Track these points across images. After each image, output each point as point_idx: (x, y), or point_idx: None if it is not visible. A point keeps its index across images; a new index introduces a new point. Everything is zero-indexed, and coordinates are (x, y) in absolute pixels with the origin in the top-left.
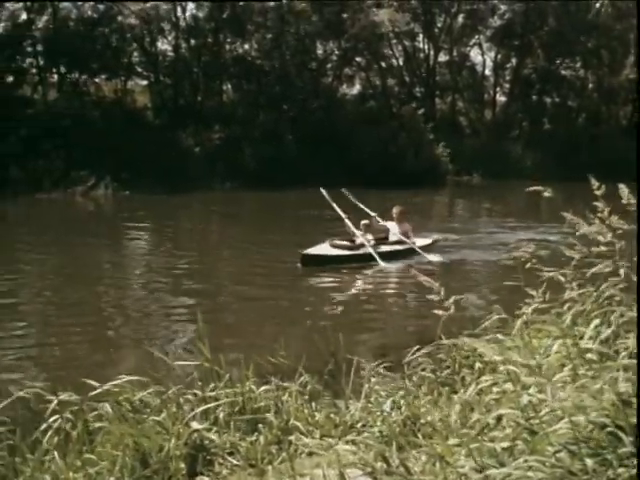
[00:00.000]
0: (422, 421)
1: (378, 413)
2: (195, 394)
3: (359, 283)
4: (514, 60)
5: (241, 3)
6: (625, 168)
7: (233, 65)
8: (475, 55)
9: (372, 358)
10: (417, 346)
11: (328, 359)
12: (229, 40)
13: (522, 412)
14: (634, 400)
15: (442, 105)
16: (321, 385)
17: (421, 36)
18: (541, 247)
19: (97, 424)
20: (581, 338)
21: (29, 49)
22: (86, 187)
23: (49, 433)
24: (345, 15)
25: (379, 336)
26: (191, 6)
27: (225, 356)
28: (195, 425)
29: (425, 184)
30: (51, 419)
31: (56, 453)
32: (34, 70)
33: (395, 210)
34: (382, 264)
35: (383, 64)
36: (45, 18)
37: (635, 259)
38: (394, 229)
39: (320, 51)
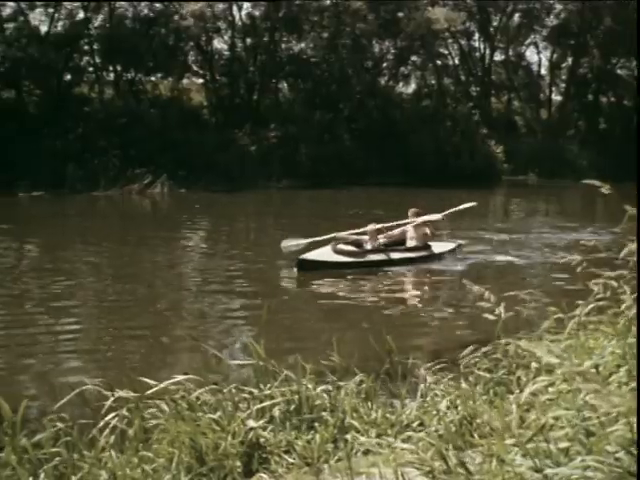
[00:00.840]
0: (478, 421)
1: (434, 412)
2: (251, 392)
3: (403, 286)
4: (570, 59)
5: (297, 2)
6: None
7: (289, 64)
8: (531, 54)
9: (426, 358)
10: (472, 346)
11: (383, 359)
12: (285, 39)
13: (578, 413)
14: None
15: (498, 104)
16: (377, 384)
17: (477, 35)
18: (596, 248)
19: (153, 422)
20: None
21: (86, 48)
22: (142, 185)
23: (106, 430)
24: (401, 14)
25: (432, 337)
26: (247, 5)
27: (281, 355)
28: (251, 423)
29: (480, 183)
30: (108, 416)
31: (113, 450)
32: (91, 68)
33: (411, 212)
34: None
35: (439, 63)
36: (102, 17)
37: None
38: (411, 233)
39: (376, 50)
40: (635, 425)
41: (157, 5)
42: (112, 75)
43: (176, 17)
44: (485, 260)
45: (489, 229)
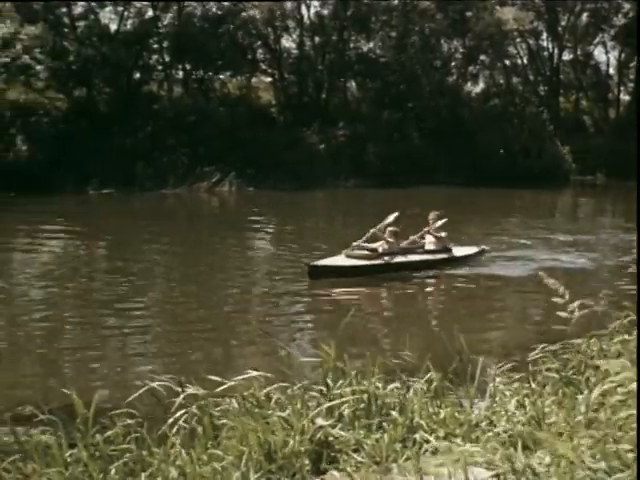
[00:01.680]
0: (547, 421)
1: (502, 412)
2: (320, 391)
3: (467, 285)
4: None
5: (365, 1)
6: None
7: (357, 63)
8: (599, 54)
9: (494, 357)
10: (541, 345)
11: (452, 358)
12: (353, 38)
13: None
14: None
15: (566, 104)
16: (446, 383)
17: (545, 34)
18: None
19: (223, 419)
20: None
21: (155, 46)
22: (211, 183)
23: (176, 427)
24: (469, 13)
25: (499, 336)
26: (315, 4)
27: (349, 354)
28: (320, 422)
29: (548, 183)
30: (178, 413)
31: (182, 447)
32: (160, 67)
33: (432, 216)
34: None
35: (507, 62)
36: (170, 15)
37: None
38: (430, 236)
39: (444, 49)
40: None
41: (225, 3)
42: (181, 73)
43: (244, 15)
44: (548, 262)
45: (556, 229)
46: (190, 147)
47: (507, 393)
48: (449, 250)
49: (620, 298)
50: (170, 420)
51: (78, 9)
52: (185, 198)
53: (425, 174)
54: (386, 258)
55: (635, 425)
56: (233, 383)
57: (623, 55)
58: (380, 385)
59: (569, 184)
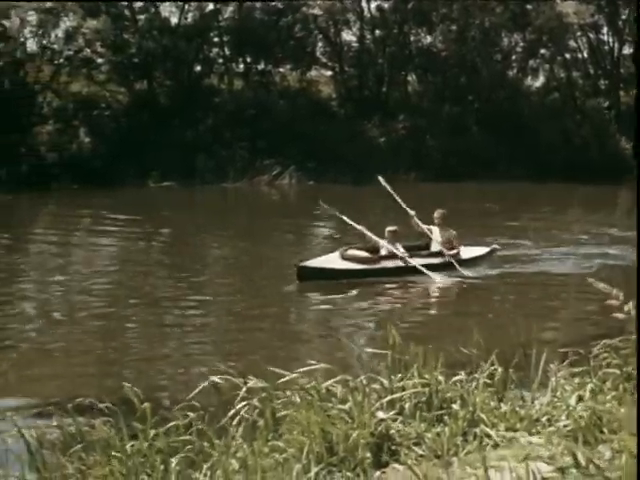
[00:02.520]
0: (607, 416)
1: (564, 407)
2: (382, 383)
3: (517, 282)
4: None
5: None
6: None
7: (418, 56)
8: None
9: (554, 353)
10: (603, 341)
11: (514, 352)
12: (414, 31)
13: None
14: None
15: (626, 98)
16: (507, 377)
17: (605, 28)
18: None
19: (284, 411)
20: None
21: (216, 39)
22: (271, 176)
23: (237, 419)
24: (529, 7)
25: (555, 333)
26: None
27: (412, 346)
28: (381, 415)
29: (609, 177)
30: (239, 405)
31: (243, 439)
32: (220, 60)
33: (437, 214)
34: (436, 278)
35: (567, 56)
36: (231, 9)
37: None
38: (436, 235)
39: (505, 43)
40: None
41: None
42: (241, 66)
43: (304, 8)
44: (604, 258)
45: (619, 225)
46: (250, 140)
47: (568, 388)
48: (456, 253)
49: None
50: (231, 412)
51: (139, 3)
52: (245, 191)
53: (485, 168)
54: (385, 262)
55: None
56: (294, 375)
57: None
58: (442, 378)
59: (630, 178)
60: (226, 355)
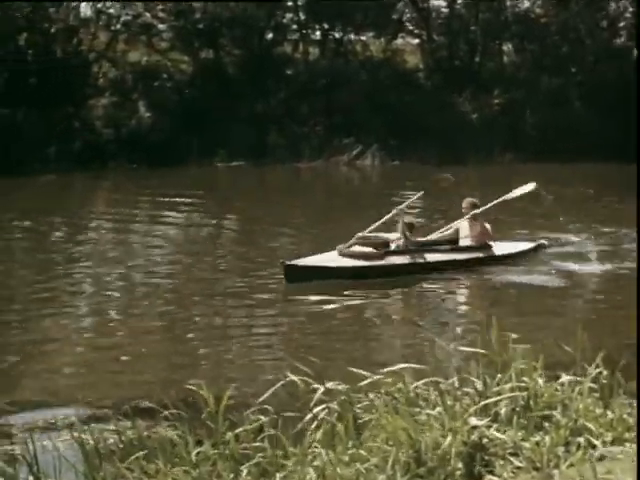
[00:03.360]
0: None
1: None
2: (475, 386)
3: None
4: None
5: None
6: None
7: (515, 23)
8: None
9: None
10: None
11: (620, 354)
12: None
13: None
14: None
15: None
16: (614, 382)
17: None
18: None
19: (366, 416)
20: None
21: (290, 4)
22: (351, 156)
23: (314, 424)
24: None
25: None
26: None
27: (510, 346)
28: (474, 421)
29: None
30: (316, 409)
31: (321, 447)
32: (294, 27)
33: (466, 204)
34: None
35: None
36: None
37: None
38: (464, 229)
39: (612, 8)
40: None
41: None
42: (318, 34)
43: None
44: None
45: None
46: (327, 115)
47: None
48: (488, 247)
49: None
50: (307, 417)
51: None
52: (322, 172)
53: (589, 147)
54: (393, 258)
55: None
56: (378, 377)
57: None
58: (541, 382)
59: None
60: (299, 355)
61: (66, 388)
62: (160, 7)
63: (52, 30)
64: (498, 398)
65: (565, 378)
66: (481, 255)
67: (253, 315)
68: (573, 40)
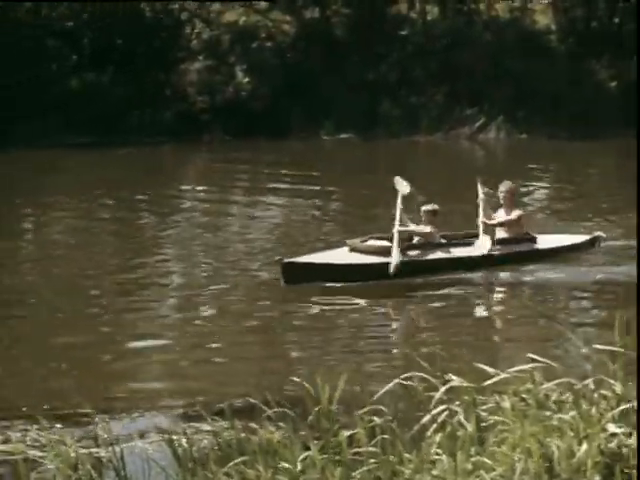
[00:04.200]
0: None
1: None
2: (613, 389)
3: None
4: None
5: None
6: None
7: None
8: None
9: None
10: None
11: None
12: None
13: None
14: None
15: None
16: None
17: None
18: None
19: (491, 419)
20: None
21: None
22: (473, 129)
23: (433, 427)
24: None
25: None
26: None
27: None
28: (612, 428)
29: None
30: (435, 410)
31: (442, 452)
32: None
33: (503, 188)
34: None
35: None
36: None
37: None
38: (502, 219)
39: None
40: None
41: None
42: None
43: None
44: None
45: None
46: (447, 83)
47: None
48: (531, 240)
49: None
50: (425, 418)
51: None
52: (440, 147)
53: None
54: (412, 253)
55: None
56: (505, 376)
57: None
58: None
59: None
60: (414, 351)
61: (154, 386)
62: None
63: None
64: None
65: None
66: (523, 249)
67: (363, 308)
68: None
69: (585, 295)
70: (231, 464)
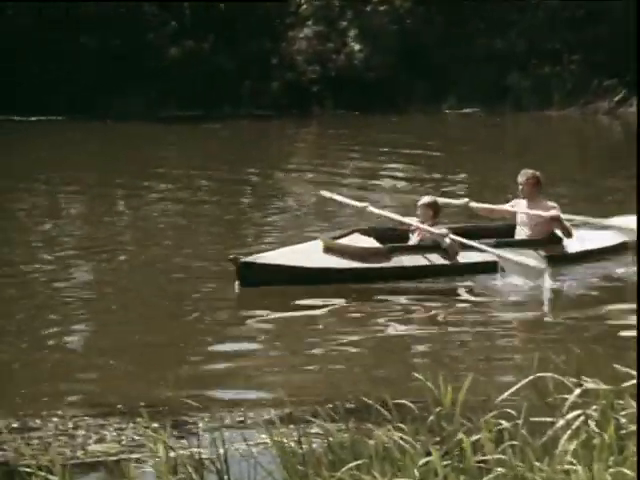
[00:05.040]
0: None
1: None
2: None
3: None
4: None
5: None
6: None
7: None
8: None
9: None
10: None
11: None
12: None
13: None
14: None
15: None
16: None
17: None
18: None
19: (631, 426)
20: None
21: None
22: (612, 102)
23: (567, 433)
24: None
25: None
26: None
27: None
28: None
29: None
30: (569, 415)
31: (578, 462)
32: None
33: (522, 178)
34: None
35: None
36: None
37: None
38: (523, 217)
39: None
40: None
41: None
42: None
43: None
44: None
45: None
46: (583, 52)
47: None
48: (557, 241)
49: None
50: (559, 423)
51: None
52: (576, 122)
53: None
54: (401, 256)
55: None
56: None
57: None
58: None
59: None
60: (547, 349)
61: (258, 384)
62: None
63: None
64: None
65: None
66: (547, 253)
67: (486, 301)
68: None
69: None
70: (344, 469)
